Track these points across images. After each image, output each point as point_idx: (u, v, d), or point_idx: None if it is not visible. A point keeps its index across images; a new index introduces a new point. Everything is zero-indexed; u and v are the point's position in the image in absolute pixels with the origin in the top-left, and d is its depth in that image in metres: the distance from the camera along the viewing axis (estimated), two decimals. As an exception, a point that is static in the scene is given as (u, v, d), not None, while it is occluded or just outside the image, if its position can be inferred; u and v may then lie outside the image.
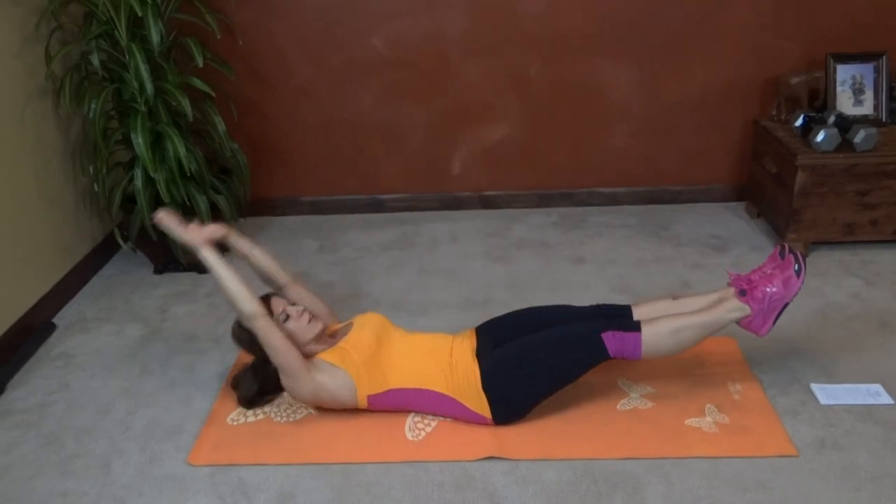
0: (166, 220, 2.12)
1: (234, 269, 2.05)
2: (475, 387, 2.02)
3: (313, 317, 2.15)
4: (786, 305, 2.06)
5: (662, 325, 2.02)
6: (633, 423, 2.09)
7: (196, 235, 2.09)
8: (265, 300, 2.13)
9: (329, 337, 2.22)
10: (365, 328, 2.15)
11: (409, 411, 2.13)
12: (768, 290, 2.04)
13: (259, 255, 2.28)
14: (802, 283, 2.04)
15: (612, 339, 2.00)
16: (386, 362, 2.08)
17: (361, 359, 2.05)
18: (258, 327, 2.01)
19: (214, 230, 2.14)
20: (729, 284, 2.14)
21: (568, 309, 2.25)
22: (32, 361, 2.53)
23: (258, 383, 2.18)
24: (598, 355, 2.02)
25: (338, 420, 2.14)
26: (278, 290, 2.29)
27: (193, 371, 2.44)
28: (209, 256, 2.05)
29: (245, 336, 2.10)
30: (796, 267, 2.04)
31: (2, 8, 2.60)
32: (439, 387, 2.05)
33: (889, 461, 1.92)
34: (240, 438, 2.10)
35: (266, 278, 2.30)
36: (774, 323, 2.07)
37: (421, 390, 2.06)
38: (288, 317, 2.12)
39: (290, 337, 2.08)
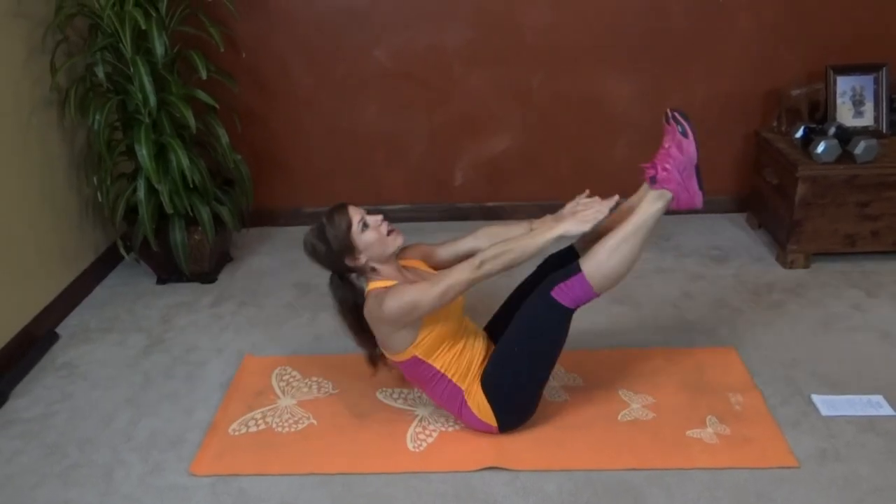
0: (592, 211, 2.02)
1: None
2: (478, 386, 2.03)
3: (394, 230, 2.05)
4: (697, 167, 2.01)
5: (598, 251, 1.96)
6: (634, 434, 2.09)
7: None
8: (341, 208, 2.02)
9: (403, 268, 2.11)
10: (458, 309, 2.08)
11: (419, 389, 2.11)
12: (669, 165, 2.00)
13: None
14: (695, 138, 1.99)
15: (561, 293, 1.95)
16: (448, 344, 2.04)
17: (442, 327, 1.99)
18: (484, 274, 1.91)
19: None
20: (641, 179, 2.09)
21: (527, 283, 2.20)
22: (35, 371, 2.54)
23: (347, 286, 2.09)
24: (561, 314, 1.98)
25: (339, 430, 2.14)
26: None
27: (195, 381, 2.45)
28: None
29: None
30: (680, 129, 2.00)
31: (8, 20, 2.63)
32: (463, 384, 2.04)
33: (891, 473, 1.92)
34: (242, 448, 2.10)
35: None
36: (701, 188, 2.02)
37: (452, 383, 2.03)
38: (366, 226, 2.01)
39: (367, 248, 1.99)
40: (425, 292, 1.91)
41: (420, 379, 2.08)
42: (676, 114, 2.02)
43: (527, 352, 2.01)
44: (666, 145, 2.04)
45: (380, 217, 2.04)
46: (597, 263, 1.95)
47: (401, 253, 2.12)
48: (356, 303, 2.08)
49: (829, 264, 3.00)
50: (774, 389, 2.26)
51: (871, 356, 2.41)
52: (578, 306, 1.98)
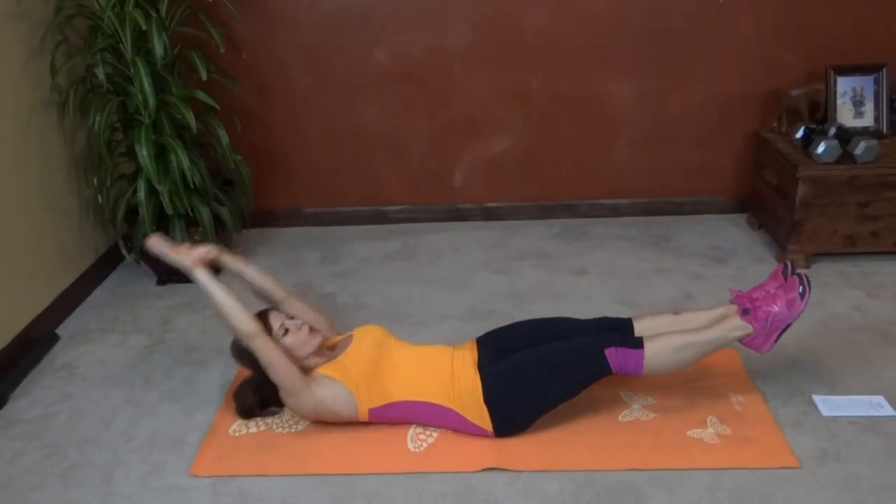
0: (157, 245, 2.13)
1: (228, 288, 2.04)
2: (477, 399, 2.02)
3: (312, 329, 2.15)
4: (788, 325, 2.05)
5: (665, 342, 2.02)
6: (635, 435, 2.08)
7: (188, 257, 2.09)
8: (263, 315, 2.12)
9: (329, 350, 2.22)
10: (364, 341, 2.16)
11: (411, 423, 2.13)
12: (771, 310, 2.03)
13: (253, 272, 2.27)
14: (806, 305, 2.03)
15: (614, 355, 2.00)
16: (386, 375, 2.08)
17: (361, 372, 2.05)
18: (256, 346, 2.01)
19: (206, 251, 2.13)
20: (731, 301, 2.14)
21: (569, 322, 2.25)
22: (36, 372, 2.54)
23: (258, 397, 2.18)
24: (601, 370, 2.02)
25: (340, 431, 2.14)
26: (275, 306, 2.28)
27: (196, 382, 2.45)
28: (202, 277, 2.05)
29: (245, 354, 2.09)
30: (801, 289, 2.02)
31: (8, 22, 2.63)
32: (440, 399, 2.05)
33: (891, 473, 1.92)
34: (242, 449, 2.10)
35: (262, 295, 2.30)
36: (776, 342, 2.07)
37: (422, 402, 2.06)
38: (287, 331, 2.11)
39: (290, 351, 2.08)
40: (290, 384, 2.03)
41: (404, 418, 2.11)
42: (805, 276, 2.06)
43: (548, 383, 2.03)
44: (772, 290, 2.08)
45: (299, 321, 2.15)
46: (660, 353, 2.00)
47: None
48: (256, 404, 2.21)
49: (829, 265, 3.00)
50: (775, 390, 2.26)
51: (872, 357, 2.41)
52: (618, 374, 2.03)
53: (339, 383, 2.04)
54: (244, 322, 2.01)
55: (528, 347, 2.09)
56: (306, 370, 2.10)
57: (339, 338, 2.30)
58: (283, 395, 2.06)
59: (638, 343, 2.01)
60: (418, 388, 2.07)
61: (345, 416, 2.08)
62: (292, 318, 2.18)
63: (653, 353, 2.00)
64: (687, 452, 2.01)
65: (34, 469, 2.07)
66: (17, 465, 2.09)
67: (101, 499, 1.95)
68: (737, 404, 2.19)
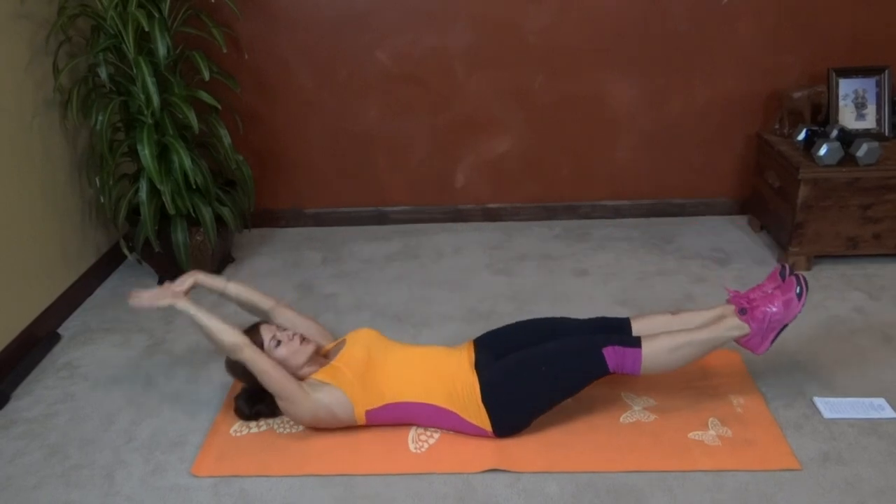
0: (137, 300, 2.16)
1: (212, 311, 2.08)
2: (475, 400, 2.02)
3: (304, 339, 2.15)
4: (785, 326, 2.06)
5: (662, 341, 2.02)
6: (636, 437, 2.08)
7: (169, 294, 2.13)
8: (254, 330, 2.13)
9: (322, 357, 2.22)
10: (357, 344, 2.16)
11: (410, 425, 2.13)
12: (768, 310, 2.03)
13: (234, 288, 2.28)
14: (803, 305, 2.04)
15: (612, 354, 2.00)
16: (381, 376, 2.08)
17: (354, 375, 2.06)
18: (246, 358, 2.02)
19: (183, 281, 2.18)
20: (728, 301, 2.14)
21: (567, 321, 2.25)
22: (37, 372, 2.54)
23: (255, 407, 2.19)
24: (598, 370, 2.02)
25: (341, 432, 2.14)
26: (265, 317, 2.29)
27: (197, 382, 2.45)
28: (185, 308, 2.08)
29: (238, 367, 2.09)
30: (798, 290, 2.03)
31: (11, 22, 2.63)
32: (438, 400, 2.05)
33: (893, 475, 1.92)
34: (243, 450, 2.10)
35: (250, 308, 2.31)
36: (772, 343, 2.07)
37: (419, 404, 2.06)
38: (279, 342, 2.11)
39: (284, 362, 2.08)
40: (286, 392, 2.03)
41: (403, 419, 2.11)
42: (802, 276, 2.06)
43: (547, 382, 2.03)
44: (770, 290, 2.08)
45: (290, 332, 2.15)
46: (657, 352, 2.01)
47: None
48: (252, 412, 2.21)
49: (830, 267, 3.00)
50: (776, 392, 2.26)
51: (874, 359, 2.41)
52: (616, 373, 2.03)
53: (333, 386, 2.04)
54: (229, 334, 2.03)
55: (526, 347, 2.09)
56: (301, 379, 2.10)
57: (331, 345, 2.30)
58: (280, 404, 2.06)
59: (636, 342, 2.01)
60: (415, 389, 2.07)
61: (343, 420, 2.08)
62: (284, 329, 2.18)
63: (650, 353, 2.00)
64: (688, 454, 2.01)
65: (35, 469, 2.08)
66: (18, 465, 2.09)
67: (102, 499, 1.95)
68: (738, 406, 2.19)
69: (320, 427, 2.12)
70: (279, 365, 2.05)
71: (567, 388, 2.06)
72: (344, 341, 2.21)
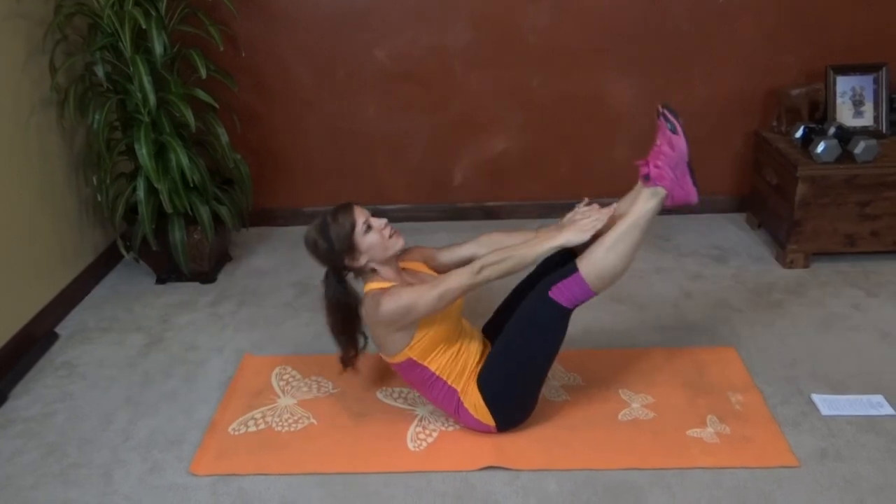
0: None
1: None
2: (473, 387, 2.03)
3: (395, 232, 2.06)
4: (689, 163, 2.00)
5: (594, 251, 1.96)
6: (635, 434, 2.09)
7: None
8: (347, 208, 2.02)
9: (402, 270, 2.12)
10: (453, 316, 2.08)
11: (416, 391, 2.11)
12: (661, 162, 1.99)
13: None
14: (684, 134, 1.98)
15: (559, 292, 1.95)
16: (451, 350, 2.05)
17: (436, 335, 2.00)
18: (482, 279, 1.93)
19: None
20: (640, 177, 2.09)
21: (530, 279, 2.20)
22: (35, 371, 2.54)
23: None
24: (559, 314, 1.98)
25: (339, 430, 2.14)
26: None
27: (195, 381, 2.44)
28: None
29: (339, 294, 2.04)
30: (669, 126, 1.99)
31: (8, 21, 2.63)
32: (449, 376, 2.04)
33: (891, 472, 1.92)
34: (241, 448, 2.10)
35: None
36: (695, 184, 2.02)
37: (440, 379, 2.04)
38: (369, 227, 2.01)
39: (369, 249, 2.00)
40: (422, 295, 1.92)
41: (415, 381, 2.08)
42: (666, 111, 2.02)
43: (525, 351, 2.01)
44: (658, 142, 2.04)
45: (384, 220, 2.05)
46: (593, 262, 1.95)
47: (402, 255, 2.12)
48: (346, 303, 2.08)
49: (828, 264, 3.00)
50: (774, 389, 2.26)
51: (871, 356, 2.41)
52: (576, 305, 1.98)
53: (417, 322, 1.97)
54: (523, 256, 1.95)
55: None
56: (373, 272, 2.04)
57: (421, 268, 2.20)
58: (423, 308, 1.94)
59: (572, 268, 1.96)
60: (452, 372, 2.04)
61: (396, 339, 1.99)
62: (377, 216, 2.07)
63: (588, 267, 1.94)
64: (686, 451, 2.01)
65: (33, 468, 2.07)
66: (17, 464, 2.09)
67: (101, 498, 1.95)
68: (736, 403, 2.19)
69: (388, 325, 1.98)
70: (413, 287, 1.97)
71: (546, 348, 2.02)
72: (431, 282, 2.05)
